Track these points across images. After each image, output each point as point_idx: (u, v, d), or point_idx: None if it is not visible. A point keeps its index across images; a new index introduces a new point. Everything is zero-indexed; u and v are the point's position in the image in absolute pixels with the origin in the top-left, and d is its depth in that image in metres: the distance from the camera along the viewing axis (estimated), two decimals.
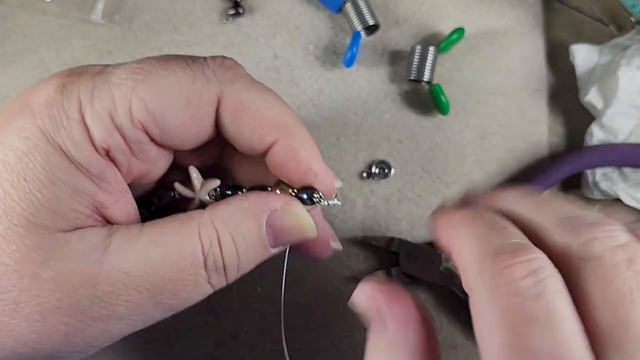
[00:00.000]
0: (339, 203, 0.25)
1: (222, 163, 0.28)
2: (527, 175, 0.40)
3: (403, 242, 0.39)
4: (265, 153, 0.24)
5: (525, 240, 0.19)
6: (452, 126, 0.41)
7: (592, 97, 0.38)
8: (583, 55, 0.39)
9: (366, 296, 0.21)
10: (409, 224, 0.40)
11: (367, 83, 0.42)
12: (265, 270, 0.39)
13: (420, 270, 0.38)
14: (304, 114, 0.41)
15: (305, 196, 0.23)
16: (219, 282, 0.22)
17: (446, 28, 0.42)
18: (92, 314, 0.20)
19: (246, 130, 0.23)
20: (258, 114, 0.22)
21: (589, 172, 0.38)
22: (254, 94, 0.23)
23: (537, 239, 0.19)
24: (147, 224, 0.22)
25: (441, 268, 0.38)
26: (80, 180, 0.20)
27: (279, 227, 0.23)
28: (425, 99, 0.41)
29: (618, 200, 0.37)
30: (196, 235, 0.21)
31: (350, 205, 0.40)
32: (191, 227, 0.21)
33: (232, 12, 0.42)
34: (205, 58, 0.23)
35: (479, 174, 0.41)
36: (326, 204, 0.24)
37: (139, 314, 0.21)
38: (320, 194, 0.23)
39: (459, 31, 0.40)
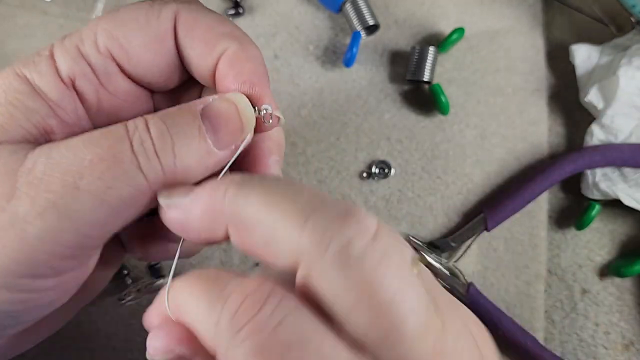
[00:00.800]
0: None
1: None
2: (527, 175, 0.40)
3: None
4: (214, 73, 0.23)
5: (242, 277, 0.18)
6: (452, 126, 0.41)
7: (593, 97, 0.38)
8: (583, 55, 0.39)
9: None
10: (408, 224, 0.40)
11: (367, 83, 0.42)
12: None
13: None
14: (304, 114, 0.41)
15: None
16: (152, 169, 0.20)
17: (446, 28, 0.42)
18: (10, 209, 0.19)
19: (199, 42, 0.23)
20: (210, 26, 0.23)
21: (589, 172, 0.38)
22: (208, 13, 0.23)
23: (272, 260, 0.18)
24: None
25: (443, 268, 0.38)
26: (35, 101, 0.21)
27: (215, 116, 0.21)
28: (425, 99, 0.41)
29: (618, 201, 0.37)
30: (121, 124, 0.21)
31: None
32: (118, 124, 0.21)
33: (232, 12, 0.42)
34: None
35: (479, 174, 0.41)
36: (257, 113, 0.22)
37: (58, 209, 0.19)
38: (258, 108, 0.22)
39: (459, 31, 0.40)
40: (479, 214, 0.39)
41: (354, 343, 0.16)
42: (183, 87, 0.26)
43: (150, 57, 0.23)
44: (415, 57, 0.40)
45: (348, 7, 0.40)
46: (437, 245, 0.39)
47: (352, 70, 0.42)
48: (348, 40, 0.42)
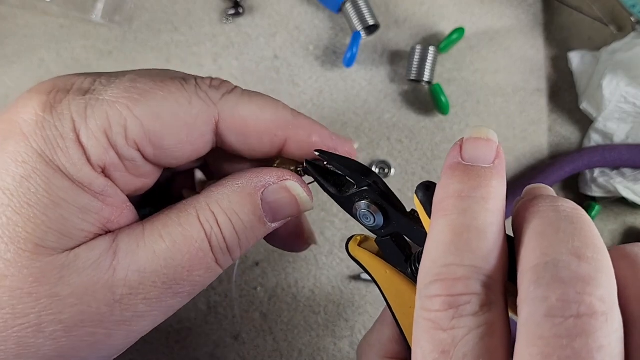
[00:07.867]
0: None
1: (212, 164, 0.28)
2: (527, 175, 0.40)
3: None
4: (277, 154, 0.25)
5: None
6: (452, 126, 0.41)
7: (587, 105, 0.39)
8: (579, 62, 0.40)
9: None
10: None
11: (367, 83, 0.42)
12: (266, 270, 0.40)
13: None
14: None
15: (305, 164, 0.24)
16: (226, 262, 0.23)
17: (446, 28, 0.42)
18: (114, 319, 0.20)
19: (253, 141, 0.24)
20: (259, 121, 0.23)
21: (587, 170, 0.38)
22: (248, 103, 0.23)
23: None
24: (147, 220, 0.22)
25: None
26: (85, 199, 0.20)
27: (274, 202, 0.23)
28: (425, 99, 0.41)
29: (618, 201, 0.37)
30: (196, 220, 0.22)
31: None
32: (190, 214, 0.22)
33: (232, 12, 0.42)
34: (195, 78, 0.23)
35: None
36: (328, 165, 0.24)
37: (159, 309, 0.21)
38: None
39: (459, 31, 0.41)
40: None
41: None
42: None
43: (179, 153, 0.23)
44: (416, 57, 0.40)
45: (348, 7, 0.40)
46: None
47: (352, 70, 0.42)
48: (348, 40, 0.42)
